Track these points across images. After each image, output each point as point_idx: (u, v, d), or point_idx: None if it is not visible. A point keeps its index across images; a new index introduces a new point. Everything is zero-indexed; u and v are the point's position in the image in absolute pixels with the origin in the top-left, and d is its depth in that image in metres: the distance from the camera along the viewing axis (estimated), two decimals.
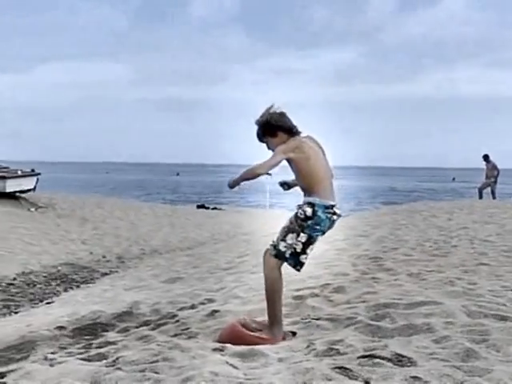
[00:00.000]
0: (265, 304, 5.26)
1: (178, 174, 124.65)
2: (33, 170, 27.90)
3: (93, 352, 5.23)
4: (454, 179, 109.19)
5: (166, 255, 16.72)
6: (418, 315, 5.41)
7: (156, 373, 4.20)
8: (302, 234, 5.00)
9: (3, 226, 18.75)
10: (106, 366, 4.54)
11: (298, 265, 5.14)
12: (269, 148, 5.27)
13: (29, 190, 26.43)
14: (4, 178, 24.78)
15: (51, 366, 4.71)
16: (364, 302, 6.12)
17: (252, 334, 5.12)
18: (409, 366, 4.08)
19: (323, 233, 5.13)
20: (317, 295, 6.68)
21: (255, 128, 5.33)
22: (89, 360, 4.88)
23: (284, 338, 5.10)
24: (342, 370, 3.99)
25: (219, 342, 5.07)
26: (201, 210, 35.26)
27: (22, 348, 5.84)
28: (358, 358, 4.27)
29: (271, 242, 5.14)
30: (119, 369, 4.40)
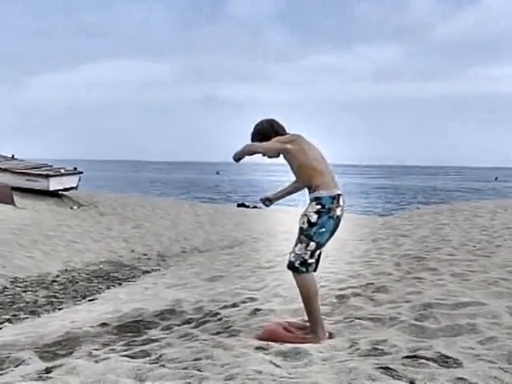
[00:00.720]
0: None
1: (218, 173, 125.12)
2: (75, 169, 28.25)
3: (136, 349, 5.27)
4: (496, 178, 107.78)
5: (207, 253, 16.77)
6: (463, 316, 5.35)
7: (199, 370, 4.22)
8: (311, 243, 5.05)
9: (47, 223, 19.04)
10: (150, 363, 4.58)
11: (308, 268, 5.13)
12: (264, 155, 5.37)
13: (71, 188, 26.78)
14: (47, 176, 25.15)
15: (96, 362, 4.77)
16: (407, 301, 6.06)
17: (294, 335, 5.11)
18: (454, 367, 4.04)
19: (332, 233, 5.13)
20: (359, 295, 6.64)
21: (252, 136, 5.48)
22: (132, 357, 4.92)
23: (330, 337, 5.09)
24: (387, 370, 3.96)
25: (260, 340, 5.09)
26: (241, 208, 35.33)
27: (67, 344, 5.91)
28: (403, 358, 4.24)
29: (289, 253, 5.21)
30: (163, 366, 4.43)
